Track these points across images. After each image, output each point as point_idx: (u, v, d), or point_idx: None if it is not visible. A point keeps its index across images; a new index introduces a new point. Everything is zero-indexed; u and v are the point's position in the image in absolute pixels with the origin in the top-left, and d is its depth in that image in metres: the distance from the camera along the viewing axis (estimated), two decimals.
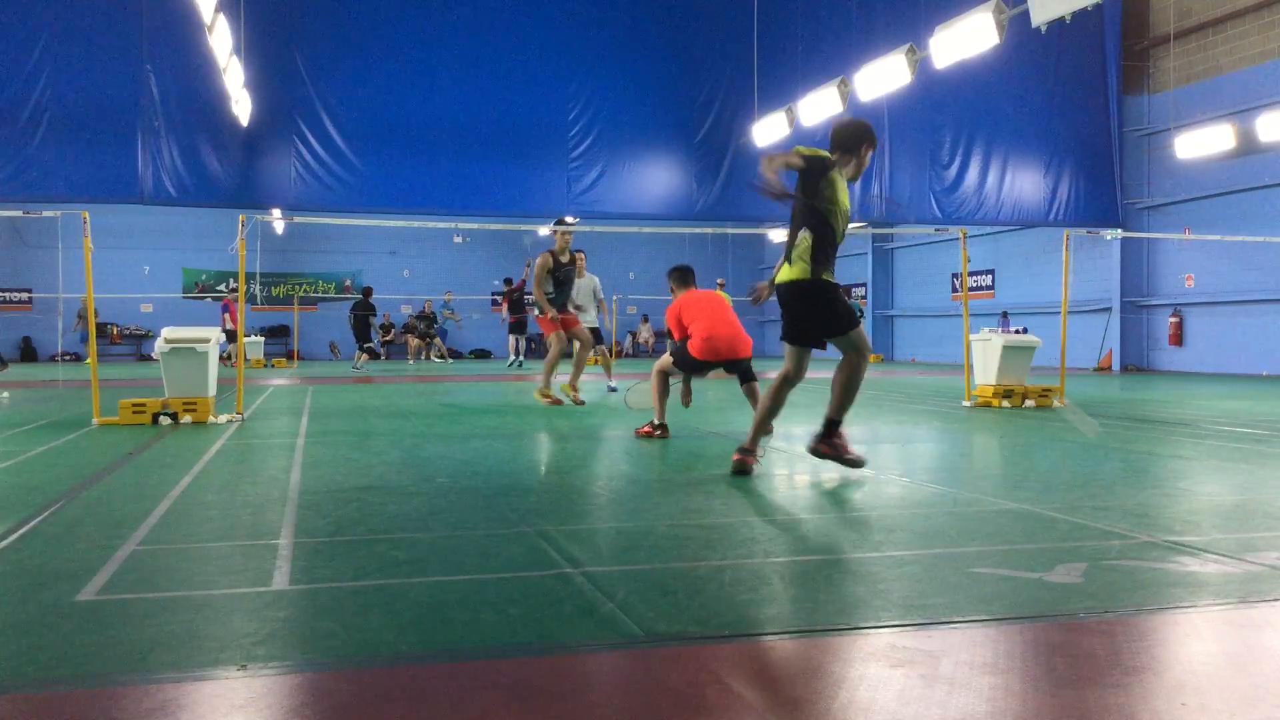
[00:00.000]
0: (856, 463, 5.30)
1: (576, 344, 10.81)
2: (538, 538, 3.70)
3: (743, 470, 5.33)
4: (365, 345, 21.87)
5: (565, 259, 10.50)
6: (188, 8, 15.18)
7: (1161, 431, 7.86)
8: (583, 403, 10.37)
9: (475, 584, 3.07)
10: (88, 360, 25.04)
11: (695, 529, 3.89)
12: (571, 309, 10.92)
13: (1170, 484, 5.16)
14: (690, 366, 7.72)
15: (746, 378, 7.81)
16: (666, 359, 7.79)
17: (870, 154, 5.36)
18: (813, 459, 6.31)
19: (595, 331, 12.38)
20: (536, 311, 10.60)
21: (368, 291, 22.76)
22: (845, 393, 5.32)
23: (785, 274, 5.18)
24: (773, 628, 2.58)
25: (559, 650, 2.45)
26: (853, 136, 5.29)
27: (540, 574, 3.17)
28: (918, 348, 27.81)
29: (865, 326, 27.31)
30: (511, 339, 22.66)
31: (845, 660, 2.33)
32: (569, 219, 11.18)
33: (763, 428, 5.55)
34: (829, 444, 5.33)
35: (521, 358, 22.31)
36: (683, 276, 8.30)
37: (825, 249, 5.10)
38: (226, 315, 22.73)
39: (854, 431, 8.07)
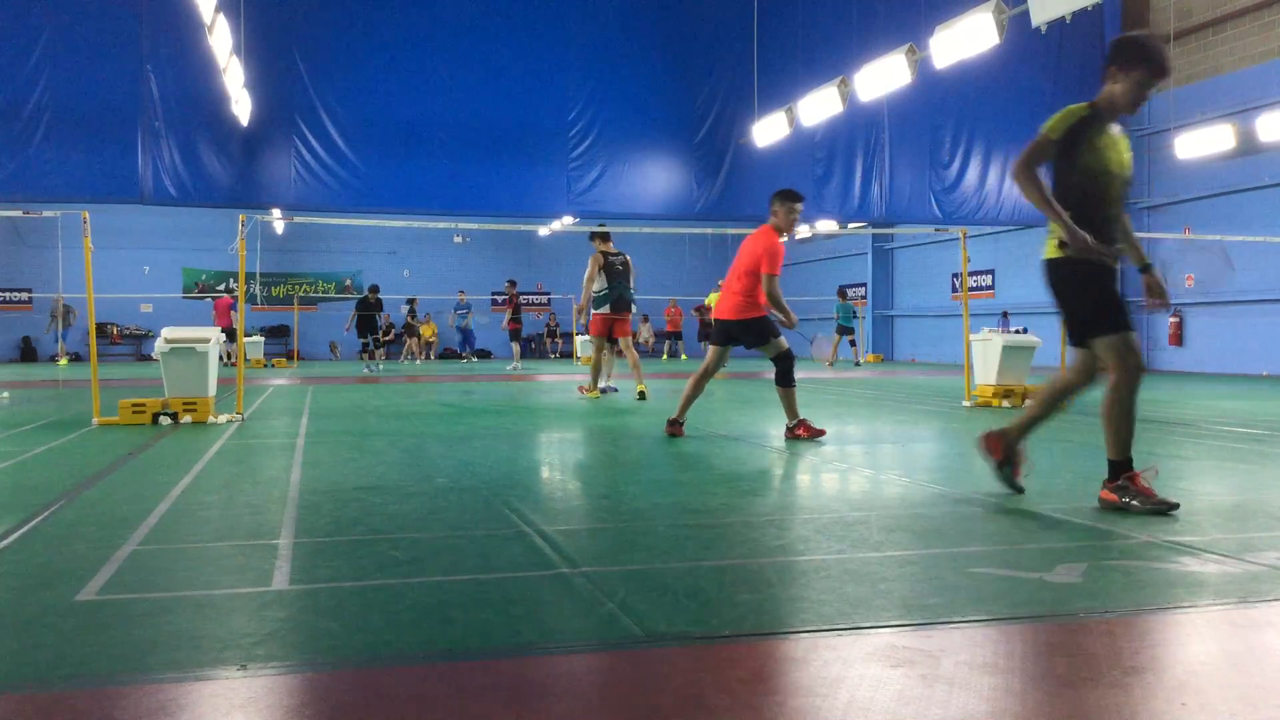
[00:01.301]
0: (1159, 508, 4.10)
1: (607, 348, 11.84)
2: (538, 538, 3.70)
3: (1011, 481, 4.58)
4: (362, 341, 21.92)
5: (614, 253, 11.54)
6: (188, 8, 15.18)
7: (1161, 431, 7.85)
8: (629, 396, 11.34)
9: (475, 584, 3.07)
10: (61, 361, 25.15)
11: (695, 529, 3.89)
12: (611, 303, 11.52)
13: (1170, 484, 5.16)
14: (775, 330, 7.27)
15: (782, 377, 7.19)
16: (780, 348, 7.33)
17: (1149, 86, 4.16)
18: (812, 458, 6.31)
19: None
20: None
21: (373, 289, 22.65)
22: (1107, 422, 4.22)
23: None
24: (773, 628, 2.58)
25: (559, 650, 2.45)
26: (1129, 51, 4.20)
27: (540, 574, 3.17)
28: (918, 348, 27.81)
29: (866, 327, 27.42)
30: (514, 344, 22.66)
31: (845, 660, 2.33)
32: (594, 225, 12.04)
33: (1027, 431, 4.62)
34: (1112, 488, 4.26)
35: (519, 362, 22.27)
36: (785, 199, 7.30)
37: (1087, 219, 4.19)
38: (221, 313, 22.65)
39: (853, 432, 8.08)
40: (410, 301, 27.22)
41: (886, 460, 6.12)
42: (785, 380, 7.21)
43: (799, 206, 7.30)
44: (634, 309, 11.63)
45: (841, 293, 24.15)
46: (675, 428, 7.30)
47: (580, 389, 12.06)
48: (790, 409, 7.23)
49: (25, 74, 16.73)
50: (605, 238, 11.68)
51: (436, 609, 2.78)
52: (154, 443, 7.08)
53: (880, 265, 29.31)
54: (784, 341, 7.28)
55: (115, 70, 17.12)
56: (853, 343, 23.76)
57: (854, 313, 23.76)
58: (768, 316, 7.22)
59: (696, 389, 7.41)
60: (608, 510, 4.43)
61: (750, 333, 7.23)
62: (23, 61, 16.75)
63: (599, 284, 11.42)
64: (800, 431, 7.15)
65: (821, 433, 7.16)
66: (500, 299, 30.77)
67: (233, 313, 22.29)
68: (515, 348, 22.55)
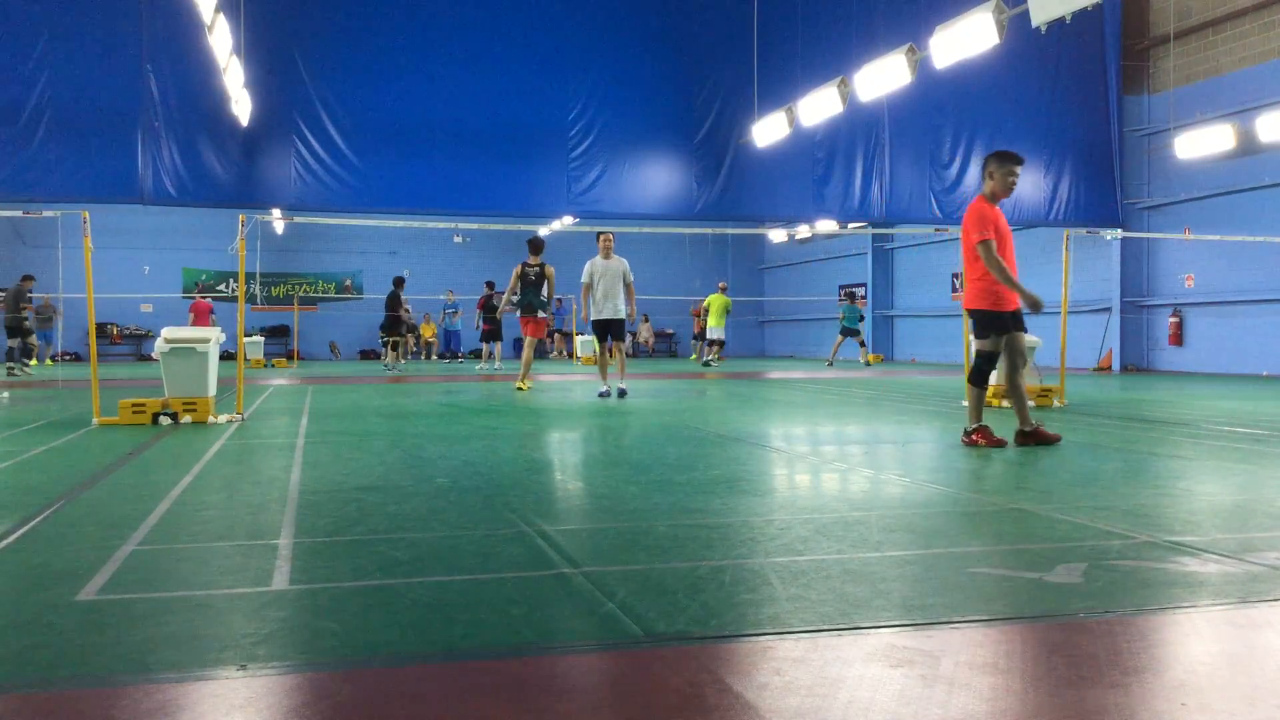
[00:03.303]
0: None
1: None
2: (538, 538, 3.70)
3: None
4: (391, 340, 21.85)
5: (531, 264, 13.26)
6: (188, 8, 15.18)
7: (1161, 431, 7.85)
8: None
9: (475, 584, 3.07)
10: (47, 362, 25.09)
11: (695, 529, 3.89)
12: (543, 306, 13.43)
13: (1170, 484, 5.16)
14: (996, 326, 6.60)
15: (974, 375, 6.68)
16: (981, 345, 6.73)
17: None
18: (811, 460, 6.32)
19: (619, 324, 12.04)
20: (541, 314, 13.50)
21: (399, 282, 22.34)
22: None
23: None
24: (773, 628, 2.58)
25: (559, 650, 2.45)
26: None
27: (540, 574, 3.17)
28: (918, 348, 27.80)
29: (867, 328, 27.47)
30: (485, 346, 22.66)
31: (845, 660, 2.33)
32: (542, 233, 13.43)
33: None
34: None
35: (498, 363, 22.22)
36: (1002, 161, 6.72)
37: None
38: (200, 315, 22.40)
39: (853, 431, 8.09)
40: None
41: (886, 460, 6.12)
42: (976, 379, 6.76)
43: (1018, 169, 6.73)
44: (541, 314, 13.40)
45: (849, 294, 24.32)
46: (1025, 437, 6.69)
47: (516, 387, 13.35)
48: (975, 412, 6.72)
49: (25, 74, 16.72)
50: (533, 250, 13.24)
51: (436, 609, 2.78)
52: (154, 443, 7.08)
53: (880, 265, 29.30)
54: (999, 344, 6.69)
55: (115, 70, 17.11)
56: (862, 343, 23.92)
57: (860, 315, 23.89)
58: (991, 311, 6.66)
59: (1017, 388, 6.82)
60: (608, 510, 4.43)
61: (974, 321, 6.83)
62: (23, 61, 16.75)
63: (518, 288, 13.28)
64: (977, 438, 6.62)
65: (1002, 442, 6.59)
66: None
67: (212, 316, 22.17)
68: (485, 348, 22.53)
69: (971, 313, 6.85)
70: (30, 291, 20.55)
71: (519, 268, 13.22)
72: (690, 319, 30.68)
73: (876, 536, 3.77)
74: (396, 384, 15.72)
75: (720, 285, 24.97)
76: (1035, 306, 6.49)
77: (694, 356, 23.87)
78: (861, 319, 23.92)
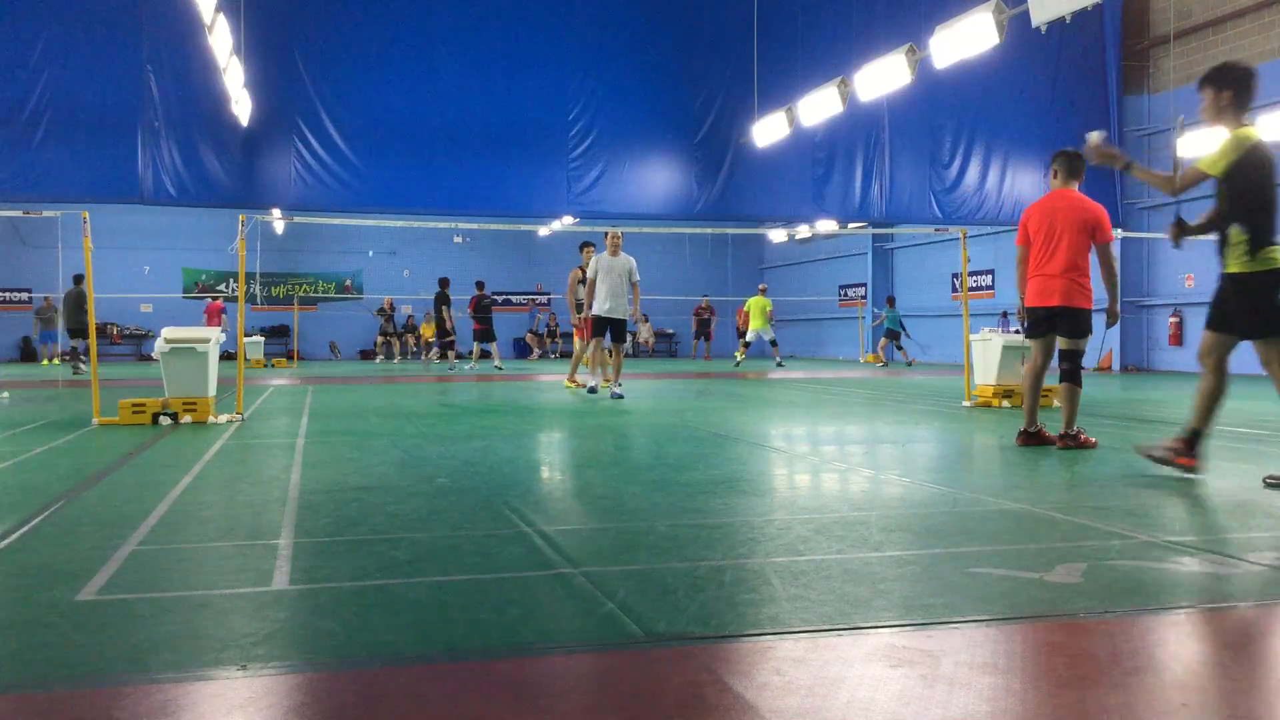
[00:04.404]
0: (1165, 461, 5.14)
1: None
2: (537, 538, 3.70)
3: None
4: (444, 340, 21.96)
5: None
6: (188, 8, 15.18)
7: (1161, 431, 7.84)
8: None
9: (475, 584, 3.07)
10: (44, 361, 25.15)
11: (695, 529, 3.89)
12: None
13: (1170, 484, 5.16)
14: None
15: (1072, 374, 6.63)
16: (1081, 344, 6.70)
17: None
18: (811, 460, 6.32)
19: (620, 324, 11.80)
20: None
21: (444, 283, 22.32)
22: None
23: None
24: (773, 628, 2.58)
25: (559, 650, 2.45)
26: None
27: (540, 574, 3.17)
28: (917, 348, 27.81)
29: (865, 329, 27.54)
30: (478, 346, 22.64)
31: (845, 660, 2.33)
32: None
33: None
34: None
35: (498, 362, 22.21)
36: (1069, 165, 6.91)
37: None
38: (211, 316, 22.45)
39: (853, 431, 8.09)
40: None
41: (886, 460, 6.12)
42: (1075, 377, 6.69)
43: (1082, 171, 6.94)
44: (575, 315, 13.85)
45: (890, 300, 24.76)
46: (1029, 438, 6.72)
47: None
48: (1071, 415, 6.63)
49: (25, 74, 16.72)
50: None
51: (436, 609, 2.78)
52: (154, 443, 7.08)
53: (880, 265, 29.29)
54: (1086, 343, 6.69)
55: (115, 70, 17.11)
56: (899, 346, 24.15)
57: (900, 320, 24.12)
58: (1092, 310, 6.59)
59: (1036, 391, 6.88)
60: (608, 510, 4.42)
61: (1077, 322, 6.65)
62: (23, 61, 16.75)
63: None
64: (1085, 439, 6.57)
65: (1093, 443, 6.59)
66: (498, 300, 30.79)
67: (224, 316, 22.24)
68: (477, 348, 22.53)
69: (1084, 312, 6.68)
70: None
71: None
72: (691, 319, 30.71)
73: (876, 536, 3.77)
74: (396, 384, 15.72)
75: (760, 287, 24.99)
76: (1116, 318, 6.81)
77: (738, 357, 23.64)
78: (902, 324, 24.20)
